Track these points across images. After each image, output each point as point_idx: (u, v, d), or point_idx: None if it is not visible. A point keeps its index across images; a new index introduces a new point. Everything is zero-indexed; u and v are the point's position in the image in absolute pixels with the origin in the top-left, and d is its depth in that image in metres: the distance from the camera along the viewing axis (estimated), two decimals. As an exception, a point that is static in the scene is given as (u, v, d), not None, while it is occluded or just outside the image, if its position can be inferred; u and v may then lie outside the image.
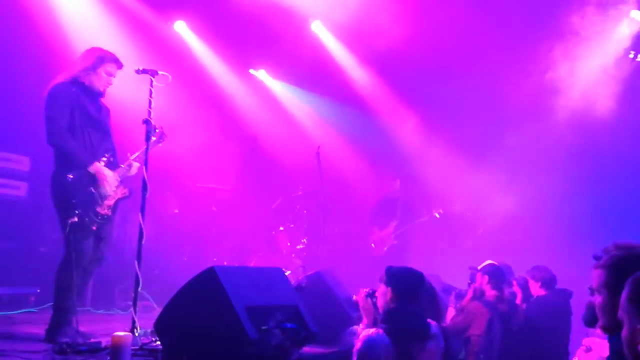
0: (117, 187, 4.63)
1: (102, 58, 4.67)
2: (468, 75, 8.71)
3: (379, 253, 8.58)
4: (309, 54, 9.21)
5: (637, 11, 8.20)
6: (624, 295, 1.89)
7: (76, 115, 4.51)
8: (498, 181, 8.90)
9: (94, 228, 4.51)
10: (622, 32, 8.43)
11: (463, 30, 8.25)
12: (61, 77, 4.62)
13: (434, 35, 8.22)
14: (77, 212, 4.37)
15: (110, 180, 4.58)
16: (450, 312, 5.60)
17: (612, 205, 8.31)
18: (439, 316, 4.41)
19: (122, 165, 4.71)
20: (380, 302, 3.86)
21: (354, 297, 4.32)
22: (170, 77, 4.63)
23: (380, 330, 3.53)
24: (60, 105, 4.47)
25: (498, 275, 5.46)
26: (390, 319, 3.62)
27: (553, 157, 8.70)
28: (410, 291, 3.80)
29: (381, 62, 9.25)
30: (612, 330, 2.28)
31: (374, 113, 9.97)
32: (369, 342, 3.45)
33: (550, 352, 5.39)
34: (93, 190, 4.50)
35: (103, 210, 4.54)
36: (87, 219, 4.43)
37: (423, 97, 9.48)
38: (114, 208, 4.62)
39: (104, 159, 4.61)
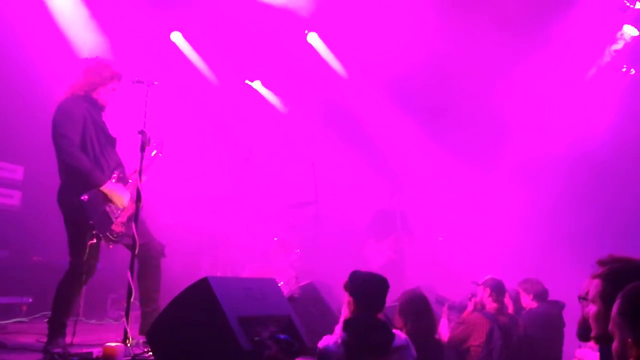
0: (128, 202, 4.61)
1: (113, 75, 4.67)
2: (466, 86, 8.77)
3: (375, 265, 8.58)
4: (305, 65, 9.26)
5: (629, 26, 8.30)
6: (615, 308, 1.90)
7: (88, 131, 4.46)
8: (497, 191, 8.97)
9: (110, 247, 4.49)
10: (616, 45, 8.54)
11: (460, 36, 8.31)
12: (71, 91, 4.57)
13: (431, 43, 8.27)
14: (94, 232, 4.33)
15: (123, 197, 4.56)
16: (443, 323, 5.60)
17: (606, 218, 8.36)
18: (431, 327, 4.41)
19: (130, 181, 4.70)
20: (344, 311, 3.67)
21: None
22: (163, 86, 4.65)
23: (338, 340, 3.40)
24: (73, 122, 4.39)
25: (500, 289, 5.49)
26: (347, 329, 3.43)
27: (549, 168, 8.77)
28: (373, 300, 3.60)
29: (378, 72, 9.30)
30: (605, 341, 2.29)
31: (372, 124, 10.00)
32: (326, 350, 3.38)
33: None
34: (107, 209, 4.46)
35: (117, 228, 4.51)
36: (104, 238, 4.41)
37: (422, 107, 9.54)
38: (127, 225, 4.58)
39: (115, 175, 4.59)
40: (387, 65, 8.80)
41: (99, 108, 4.64)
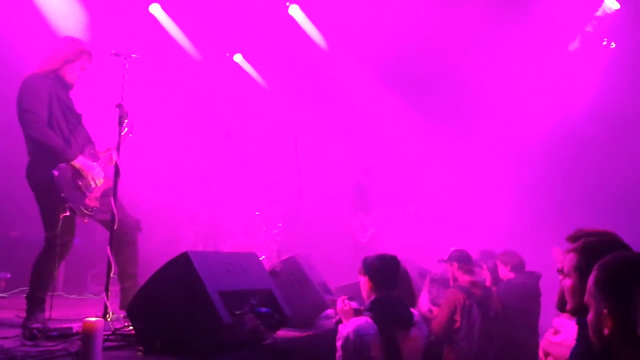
0: (101, 178, 4.57)
1: (81, 52, 4.58)
2: (447, 60, 8.74)
3: (363, 240, 8.62)
4: (286, 38, 9.15)
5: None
6: (591, 279, 1.92)
7: (54, 107, 4.40)
8: (479, 165, 9.01)
9: (85, 221, 4.45)
10: (597, 20, 8.56)
11: (441, 9, 8.26)
12: (38, 68, 4.49)
13: (413, 16, 8.21)
14: (67, 206, 4.28)
15: (95, 171, 4.52)
16: (423, 296, 5.66)
17: (580, 194, 8.46)
18: (410, 299, 4.45)
19: (100, 157, 4.65)
20: (363, 294, 3.92)
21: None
22: (142, 59, 4.56)
23: (368, 319, 3.58)
24: (39, 98, 4.33)
25: (466, 258, 5.52)
26: (376, 307, 3.67)
27: (530, 141, 8.83)
28: (388, 278, 3.84)
29: (359, 45, 9.23)
30: (580, 313, 2.32)
31: (353, 97, 9.96)
32: (359, 331, 3.50)
33: (520, 332, 5.49)
34: (79, 183, 4.42)
35: (91, 202, 4.47)
36: (78, 212, 4.36)
37: (404, 81, 9.51)
38: (101, 200, 4.55)
39: (85, 152, 4.53)
40: (368, 37, 8.73)
41: (65, 86, 4.57)
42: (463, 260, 5.50)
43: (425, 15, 8.23)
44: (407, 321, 3.76)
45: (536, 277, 5.72)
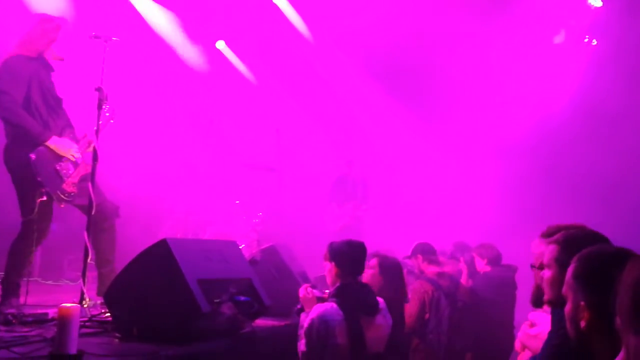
0: (80, 162, 4.50)
1: (58, 28, 4.50)
2: (431, 56, 8.76)
3: (333, 229, 8.64)
4: (270, 27, 9.08)
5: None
6: (569, 271, 1.94)
7: (33, 90, 4.32)
8: (456, 163, 9.05)
9: (62, 206, 4.39)
10: (578, 16, 8.64)
11: (429, 7, 8.27)
12: (21, 50, 4.38)
13: (396, 9, 8.21)
14: (44, 190, 4.22)
15: (71, 148, 4.45)
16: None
17: (562, 189, 8.55)
18: (400, 292, 4.46)
19: (80, 141, 4.59)
20: (328, 280, 3.85)
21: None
22: (124, 42, 4.49)
23: (334, 305, 3.54)
24: (16, 79, 4.24)
25: (429, 250, 5.55)
26: (342, 293, 3.62)
27: (513, 140, 8.88)
28: (354, 264, 3.78)
29: (344, 38, 9.20)
30: (558, 305, 2.35)
31: (336, 89, 9.93)
32: (324, 317, 3.45)
33: (496, 325, 5.54)
34: (57, 167, 4.35)
35: (69, 187, 4.40)
36: (55, 197, 4.30)
37: (386, 77, 9.51)
38: (79, 185, 4.48)
39: (65, 135, 4.47)
40: (353, 29, 8.71)
41: (49, 68, 4.50)
42: (427, 252, 5.53)
43: (411, 8, 8.23)
44: (373, 308, 3.72)
45: (512, 270, 5.78)
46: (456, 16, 8.20)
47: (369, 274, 4.17)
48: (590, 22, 8.53)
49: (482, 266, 5.82)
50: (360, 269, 3.84)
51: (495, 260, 5.78)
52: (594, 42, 8.74)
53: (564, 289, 1.94)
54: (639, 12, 7.64)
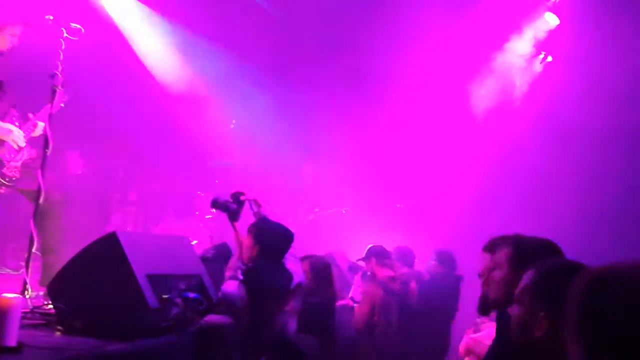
0: (23, 147, 4.36)
1: (11, 20, 4.36)
2: (388, 55, 8.79)
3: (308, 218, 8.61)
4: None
5: (551, 13, 8.61)
6: (529, 279, 1.95)
7: None
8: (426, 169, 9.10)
9: (2, 191, 4.24)
10: (535, 32, 8.85)
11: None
12: None
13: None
14: None
15: (15, 136, 4.30)
16: (355, 290, 5.72)
17: (523, 202, 8.69)
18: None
19: (24, 124, 4.45)
20: (245, 255, 3.81)
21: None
22: (83, 30, 4.37)
23: (243, 285, 3.54)
24: None
25: (382, 252, 5.61)
26: (249, 276, 3.60)
27: (473, 150, 8.99)
28: (279, 251, 3.79)
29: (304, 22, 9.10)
30: (504, 305, 2.40)
31: (293, 89, 9.81)
32: (227, 295, 3.43)
33: (439, 329, 5.64)
34: None
35: (10, 172, 4.26)
36: None
37: (346, 72, 9.47)
38: (22, 170, 4.33)
39: (7, 118, 4.33)
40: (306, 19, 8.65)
41: None
42: (379, 254, 5.59)
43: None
44: (283, 291, 3.71)
45: (458, 276, 5.89)
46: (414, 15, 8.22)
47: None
48: (546, 39, 8.76)
49: (434, 267, 5.91)
50: (282, 255, 3.82)
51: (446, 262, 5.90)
52: (549, 58, 8.97)
53: (519, 293, 1.97)
54: (597, 29, 7.86)
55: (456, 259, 5.92)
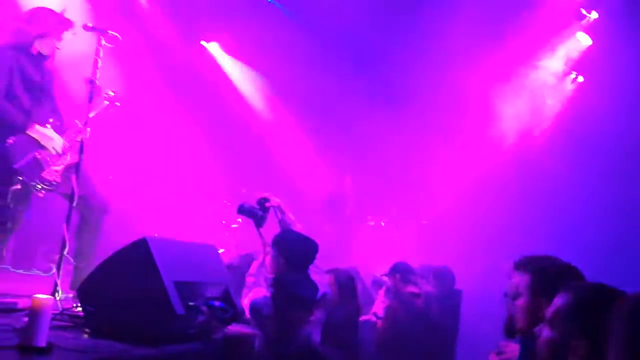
0: (65, 151, 4.46)
1: (57, 24, 4.48)
2: (426, 70, 8.76)
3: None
4: (263, 28, 8.99)
5: (583, 33, 8.53)
6: (567, 302, 1.93)
7: (15, 79, 4.30)
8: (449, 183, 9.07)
9: (41, 195, 4.34)
10: (567, 52, 8.78)
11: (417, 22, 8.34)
12: (8, 39, 4.37)
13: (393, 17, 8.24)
14: (20, 178, 4.17)
15: (55, 143, 4.40)
16: (377, 305, 5.70)
17: (535, 219, 8.60)
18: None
19: (68, 130, 4.55)
20: (269, 266, 3.88)
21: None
22: (120, 37, 4.47)
23: (268, 295, 3.56)
24: None
25: (406, 269, 5.60)
26: (276, 286, 3.63)
27: (490, 168, 8.93)
28: (304, 260, 3.81)
29: (340, 43, 9.16)
30: (527, 332, 2.38)
31: (330, 100, 9.78)
32: (254, 305, 3.45)
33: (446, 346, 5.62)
34: (37, 155, 4.30)
35: (50, 175, 4.35)
36: (31, 186, 4.25)
37: (382, 89, 9.49)
38: (64, 174, 4.42)
39: (49, 124, 4.43)
40: (351, 37, 8.70)
41: (33, 58, 4.45)
42: (403, 271, 5.58)
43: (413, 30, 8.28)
44: (310, 302, 3.73)
45: (458, 291, 5.88)
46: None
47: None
48: (579, 59, 8.68)
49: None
50: (308, 264, 3.86)
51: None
52: (580, 78, 8.89)
53: (551, 318, 1.94)
54: (629, 50, 7.78)
55: (454, 275, 5.92)
